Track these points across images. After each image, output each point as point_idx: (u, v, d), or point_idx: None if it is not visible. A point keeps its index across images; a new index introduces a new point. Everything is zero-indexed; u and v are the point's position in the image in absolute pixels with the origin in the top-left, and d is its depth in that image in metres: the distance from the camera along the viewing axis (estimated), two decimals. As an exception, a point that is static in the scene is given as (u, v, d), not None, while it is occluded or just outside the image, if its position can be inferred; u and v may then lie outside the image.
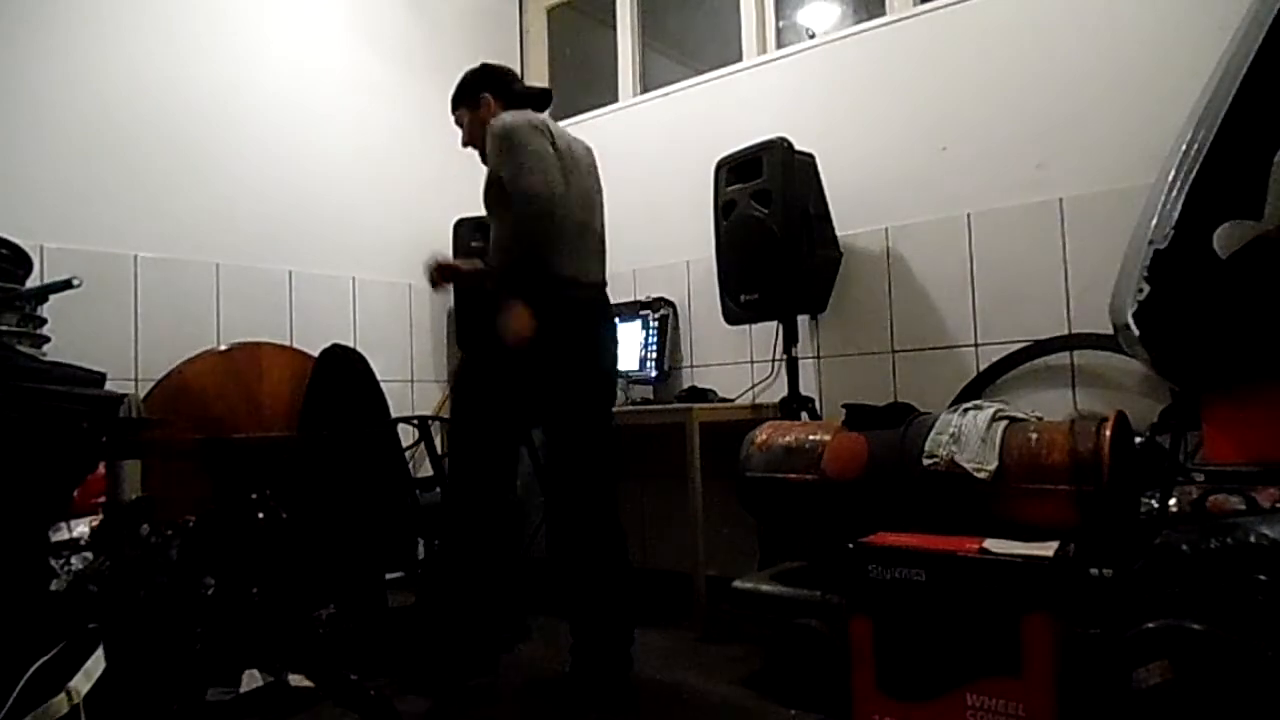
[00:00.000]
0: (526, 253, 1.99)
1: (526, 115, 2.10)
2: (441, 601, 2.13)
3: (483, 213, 2.21)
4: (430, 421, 2.99)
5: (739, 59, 3.33)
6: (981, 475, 1.83)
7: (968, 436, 1.90)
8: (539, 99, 2.29)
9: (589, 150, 2.27)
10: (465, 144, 2.30)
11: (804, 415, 2.72)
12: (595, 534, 2.12)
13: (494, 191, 2.06)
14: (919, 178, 2.78)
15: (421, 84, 3.63)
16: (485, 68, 2.31)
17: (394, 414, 2.64)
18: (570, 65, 4.12)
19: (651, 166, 3.45)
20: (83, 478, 1.88)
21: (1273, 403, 1.75)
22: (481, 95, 2.24)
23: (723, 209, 2.78)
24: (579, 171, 2.15)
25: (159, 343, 2.72)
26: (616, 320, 2.34)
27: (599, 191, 2.24)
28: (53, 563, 1.87)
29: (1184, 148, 1.79)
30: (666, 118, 3.48)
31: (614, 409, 2.28)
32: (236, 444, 2.51)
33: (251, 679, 1.98)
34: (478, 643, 2.15)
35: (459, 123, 2.30)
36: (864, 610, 1.76)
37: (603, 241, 2.23)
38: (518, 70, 4.04)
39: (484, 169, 2.20)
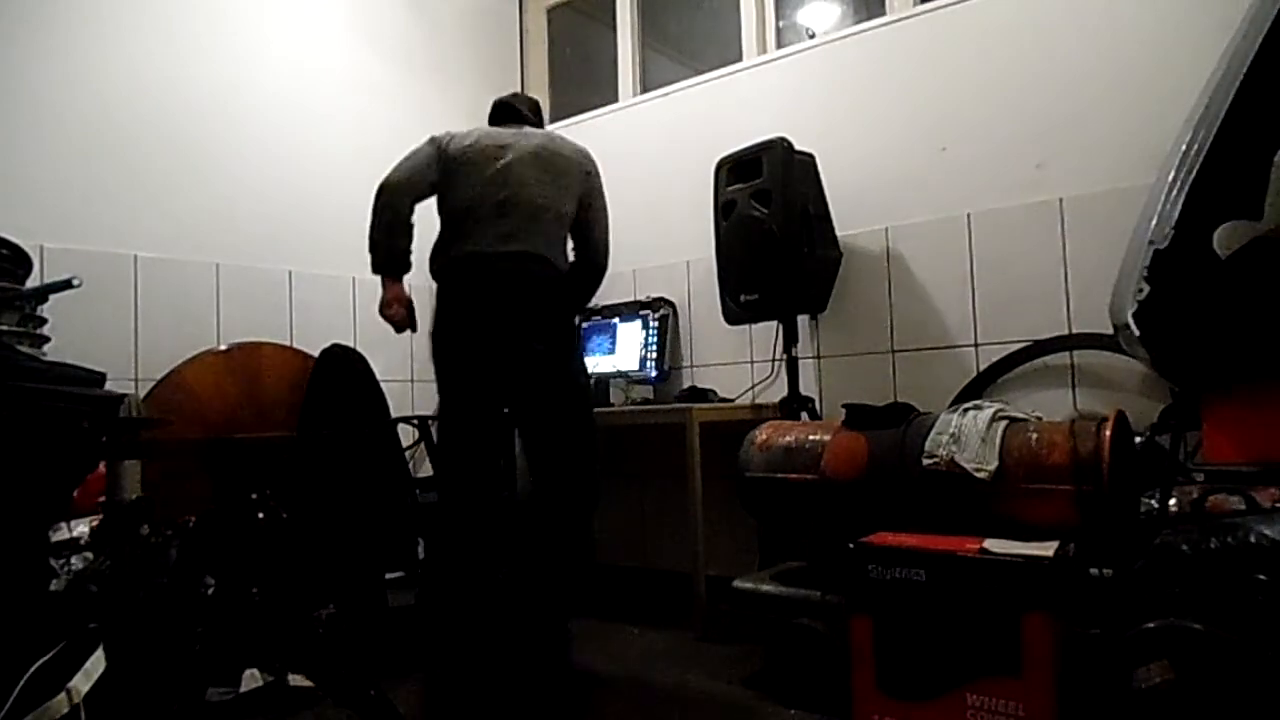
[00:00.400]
0: (373, 238, 2.31)
1: (459, 129, 2.34)
2: (438, 597, 2.18)
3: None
4: (430, 421, 2.99)
5: (739, 59, 3.33)
6: (981, 475, 1.83)
7: (968, 436, 1.90)
8: (496, 113, 2.45)
9: (532, 142, 2.29)
10: None
11: (804, 415, 2.72)
12: (554, 493, 2.18)
13: None
14: (919, 178, 2.78)
15: (421, 84, 3.63)
16: (495, 102, 2.49)
17: (394, 414, 2.65)
18: (570, 65, 4.12)
19: (651, 166, 3.45)
20: (83, 478, 1.87)
21: (1273, 403, 1.75)
22: None
23: (723, 209, 2.78)
24: (488, 160, 2.23)
25: (159, 343, 2.72)
26: (545, 295, 2.23)
27: (538, 168, 2.24)
28: (53, 563, 1.87)
29: (1184, 148, 1.79)
30: (666, 118, 3.48)
31: (567, 388, 2.23)
32: (236, 444, 2.51)
33: (251, 679, 1.98)
34: (474, 636, 2.17)
35: None
36: (864, 610, 1.76)
37: (530, 214, 2.20)
38: (517, 70, 4.07)
39: None
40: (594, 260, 2.34)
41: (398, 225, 2.25)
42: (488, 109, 2.49)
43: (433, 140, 2.28)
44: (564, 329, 2.29)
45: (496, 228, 2.17)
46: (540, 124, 2.49)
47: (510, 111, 2.42)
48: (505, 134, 2.31)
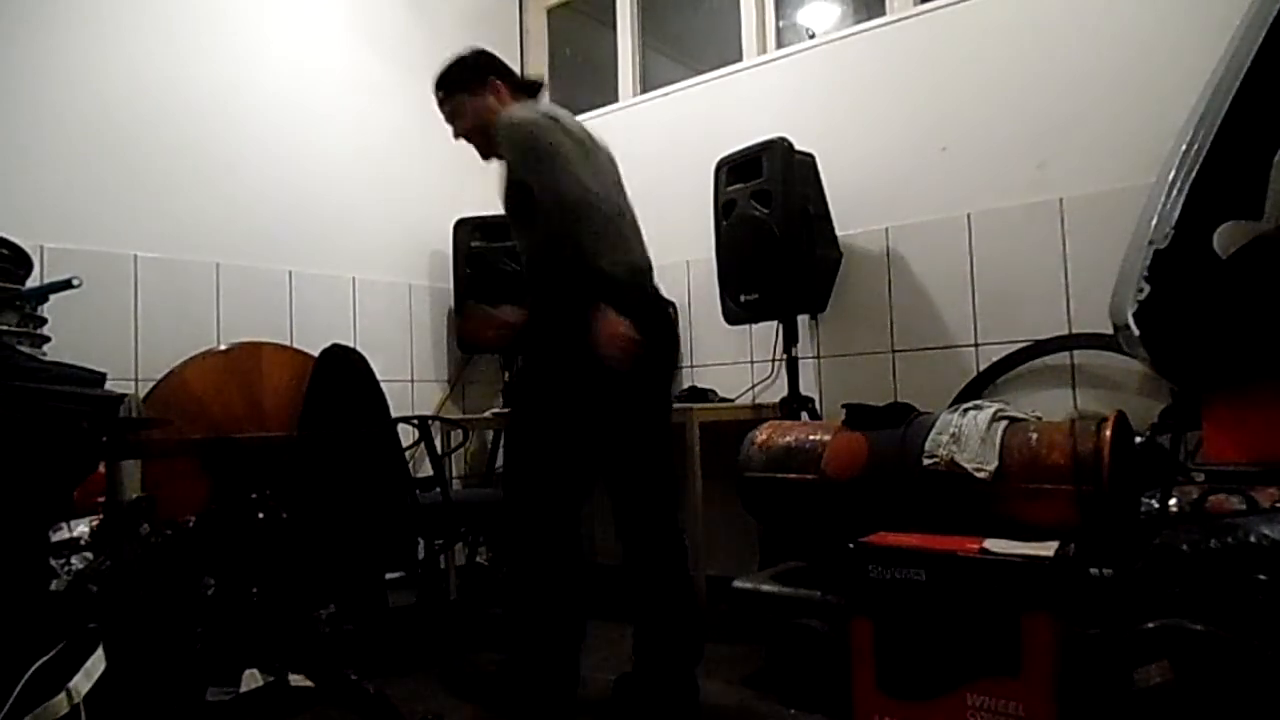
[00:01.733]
0: (571, 258, 1.76)
1: (541, 108, 1.95)
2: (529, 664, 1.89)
3: (484, 213, 2.15)
4: (430, 421, 2.99)
5: (739, 59, 3.33)
6: (981, 475, 1.83)
7: (968, 436, 1.90)
8: (537, 88, 2.11)
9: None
10: (462, 135, 2.02)
11: (804, 415, 2.72)
12: (664, 547, 1.95)
13: (518, 198, 1.86)
14: (919, 178, 2.78)
15: (421, 84, 3.57)
16: (487, 52, 2.08)
17: (394, 414, 2.64)
18: (570, 65, 4.12)
19: (651, 166, 3.43)
20: (83, 478, 1.87)
21: (1273, 402, 1.75)
22: (490, 79, 2.01)
23: (723, 209, 2.78)
24: (600, 156, 1.93)
25: (159, 343, 2.72)
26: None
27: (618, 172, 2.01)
28: (53, 563, 1.87)
29: (1184, 148, 1.78)
30: (666, 118, 3.48)
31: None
32: (236, 444, 2.51)
33: (251, 679, 1.98)
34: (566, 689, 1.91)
35: (453, 112, 2.03)
36: (864, 610, 1.76)
37: (636, 224, 1.98)
38: (517, 70, 4.06)
39: (486, 166, 2.09)
40: None
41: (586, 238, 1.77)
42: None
43: (556, 124, 1.84)
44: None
45: (634, 238, 1.93)
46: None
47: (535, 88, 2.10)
48: (579, 122, 1.99)
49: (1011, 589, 1.59)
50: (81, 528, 2.03)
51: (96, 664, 1.50)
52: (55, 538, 1.95)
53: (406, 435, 2.86)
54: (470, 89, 2.01)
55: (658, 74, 3.76)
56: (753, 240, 2.64)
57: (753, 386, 3.09)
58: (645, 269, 1.95)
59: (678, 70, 3.71)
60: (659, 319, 1.93)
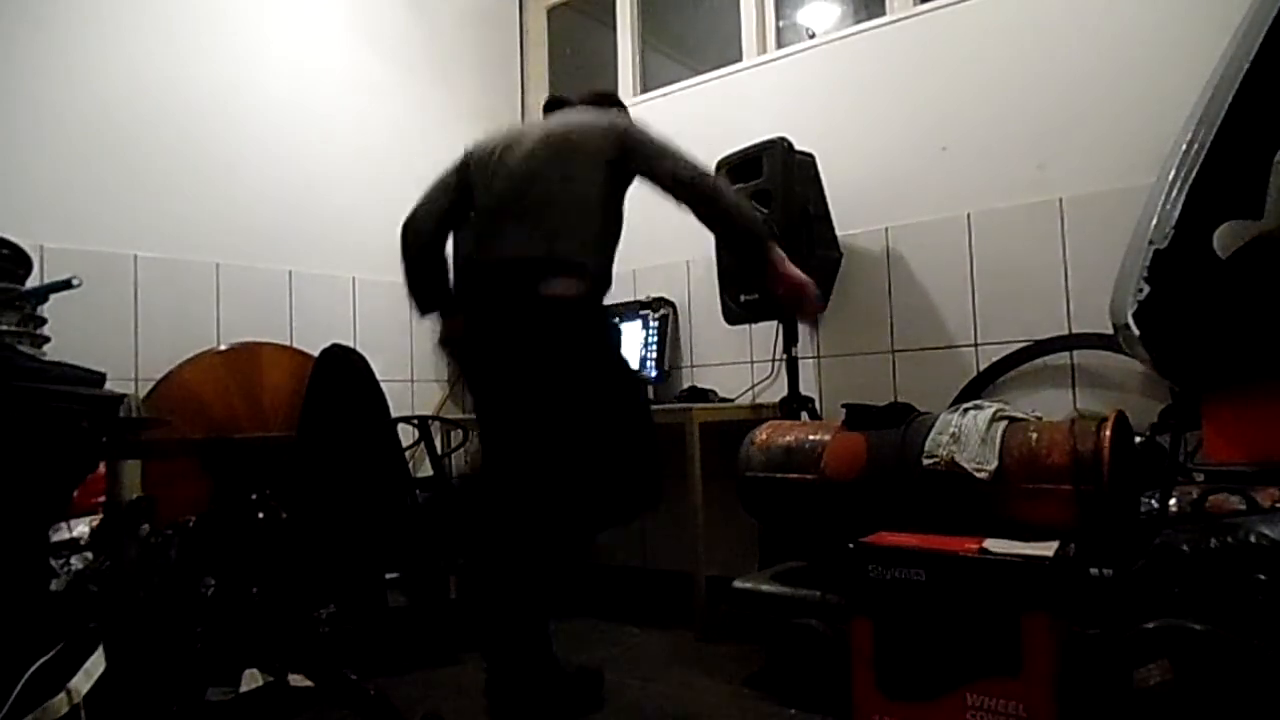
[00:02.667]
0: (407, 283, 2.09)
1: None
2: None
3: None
4: (430, 421, 2.99)
5: (739, 59, 3.33)
6: (981, 475, 1.83)
7: (968, 436, 1.90)
8: (549, 108, 2.26)
9: (561, 129, 2.00)
10: None
11: (804, 415, 2.72)
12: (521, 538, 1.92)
13: None
14: (919, 178, 2.78)
15: (421, 84, 3.63)
16: None
17: (394, 414, 2.64)
18: (570, 65, 4.12)
19: (651, 166, 3.45)
20: (83, 478, 1.87)
21: (1273, 403, 1.75)
22: None
23: (723, 209, 2.77)
24: (508, 158, 1.97)
25: (159, 343, 2.72)
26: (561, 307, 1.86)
27: (553, 161, 1.93)
28: (53, 563, 1.87)
29: (1184, 148, 1.78)
30: (666, 118, 3.44)
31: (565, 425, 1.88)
32: (236, 444, 2.51)
33: (251, 679, 1.98)
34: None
35: None
36: (864, 610, 1.76)
37: (548, 212, 1.89)
38: (517, 70, 4.06)
39: None
40: (697, 192, 1.93)
41: (423, 259, 2.05)
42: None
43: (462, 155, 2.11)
44: (568, 362, 1.87)
45: (487, 228, 1.97)
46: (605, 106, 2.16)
47: (554, 104, 2.23)
48: (518, 126, 2.12)
49: (1011, 589, 1.59)
50: (81, 528, 2.03)
51: (96, 664, 1.50)
52: (55, 538, 1.95)
53: (406, 435, 2.87)
54: None
55: (658, 74, 3.76)
56: (753, 240, 2.64)
57: (753, 386, 3.09)
58: (488, 260, 1.95)
59: (678, 70, 3.72)
60: (506, 309, 1.88)
